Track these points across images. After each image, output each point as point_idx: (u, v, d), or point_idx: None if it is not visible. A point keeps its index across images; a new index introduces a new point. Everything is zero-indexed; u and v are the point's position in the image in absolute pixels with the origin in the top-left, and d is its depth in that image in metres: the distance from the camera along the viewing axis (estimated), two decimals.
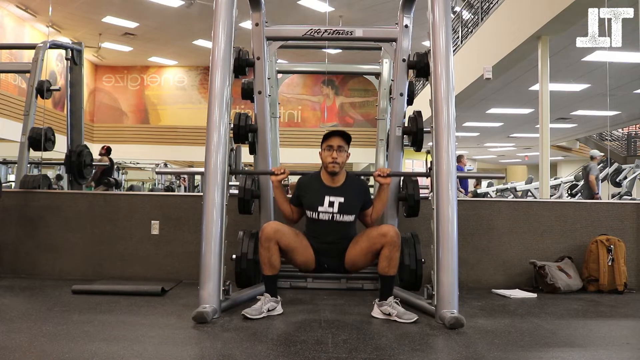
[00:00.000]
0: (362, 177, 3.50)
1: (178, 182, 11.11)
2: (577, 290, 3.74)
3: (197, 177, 9.49)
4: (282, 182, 3.12)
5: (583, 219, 4.02)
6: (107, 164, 7.82)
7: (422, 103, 3.84)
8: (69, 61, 5.30)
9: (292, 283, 3.67)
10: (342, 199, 2.98)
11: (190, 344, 2.39)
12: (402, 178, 3.62)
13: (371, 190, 3.45)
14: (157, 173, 3.22)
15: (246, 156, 4.47)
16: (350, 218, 3.00)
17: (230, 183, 3.21)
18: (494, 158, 22.59)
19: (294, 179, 3.61)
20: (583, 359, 2.25)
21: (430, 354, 2.30)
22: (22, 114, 4.98)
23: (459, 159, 9.82)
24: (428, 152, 3.09)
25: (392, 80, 3.72)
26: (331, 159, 2.97)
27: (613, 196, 9.16)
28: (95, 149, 7.88)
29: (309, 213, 3.02)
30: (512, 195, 10.69)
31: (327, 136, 3.03)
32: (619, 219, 4.03)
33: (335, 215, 2.97)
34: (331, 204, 2.97)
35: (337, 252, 2.99)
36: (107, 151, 8.12)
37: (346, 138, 3.03)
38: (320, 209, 2.97)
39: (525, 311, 3.13)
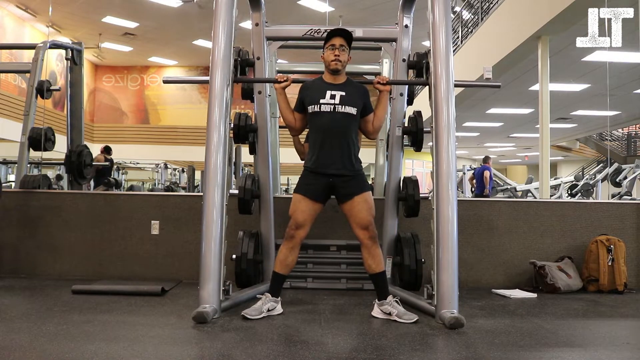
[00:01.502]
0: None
1: (178, 182, 11.11)
2: (577, 290, 3.74)
3: (197, 177, 9.49)
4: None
5: (583, 219, 4.02)
6: (104, 163, 7.81)
7: (422, 103, 3.84)
8: (69, 61, 5.30)
9: (292, 283, 3.67)
10: (343, 93, 2.96)
11: (190, 344, 2.39)
12: (402, 178, 3.62)
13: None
14: (165, 82, 3.19)
15: (246, 156, 4.48)
16: (352, 110, 2.95)
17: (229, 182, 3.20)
18: (494, 158, 22.56)
19: (293, 179, 3.59)
20: (583, 359, 2.25)
21: (430, 354, 2.30)
22: (22, 114, 4.98)
23: (486, 159, 9.81)
24: (427, 51, 3.07)
25: None
26: (334, 57, 2.96)
27: (613, 196, 9.16)
28: (95, 149, 7.90)
29: (311, 108, 2.96)
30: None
31: (330, 36, 3.00)
32: (619, 219, 4.03)
33: (336, 106, 2.93)
34: (333, 97, 2.94)
35: (337, 165, 2.91)
36: (105, 150, 8.12)
37: (348, 38, 3.00)
38: (322, 100, 2.94)
39: (525, 311, 3.13)
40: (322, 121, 2.94)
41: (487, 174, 9.46)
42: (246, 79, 3.57)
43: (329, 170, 2.91)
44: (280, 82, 3.02)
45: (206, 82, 3.05)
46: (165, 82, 3.55)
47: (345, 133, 2.94)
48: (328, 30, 3.05)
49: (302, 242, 2.91)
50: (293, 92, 3.04)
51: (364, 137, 3.22)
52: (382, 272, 2.88)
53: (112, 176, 8.34)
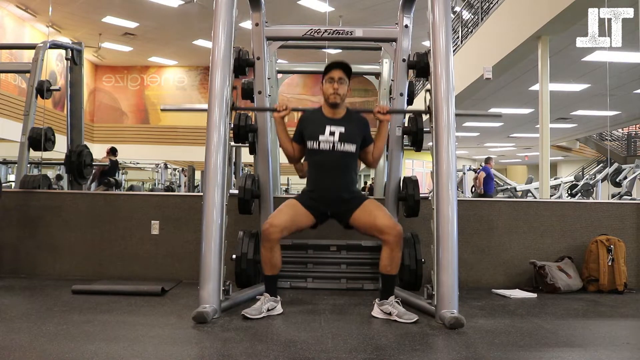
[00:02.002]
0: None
1: (178, 181, 11.12)
2: (577, 290, 3.74)
3: (197, 177, 9.49)
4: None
5: (583, 219, 4.02)
6: (106, 164, 7.83)
7: (422, 103, 3.84)
8: (69, 61, 5.30)
9: (292, 283, 3.67)
10: (342, 129, 2.96)
11: (190, 344, 2.39)
12: (402, 179, 3.62)
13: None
14: (162, 110, 3.23)
15: (246, 156, 4.48)
16: (351, 148, 2.96)
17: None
18: (494, 158, 22.58)
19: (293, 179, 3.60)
20: (583, 359, 2.25)
21: (430, 354, 2.29)
22: (22, 114, 4.98)
23: (488, 160, 9.78)
24: (427, 91, 3.08)
25: (392, 80, 3.71)
26: (332, 90, 2.95)
27: (613, 196, 9.16)
28: (95, 149, 7.89)
29: (309, 144, 2.97)
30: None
31: (329, 68, 3.00)
32: (619, 219, 4.03)
33: (336, 144, 2.93)
34: (332, 133, 2.94)
35: (338, 192, 2.94)
36: (110, 151, 8.14)
37: (347, 70, 3.00)
38: (321, 137, 2.94)
39: (525, 311, 3.13)
40: (321, 159, 2.97)
41: (481, 175, 9.44)
42: (245, 108, 3.55)
43: (328, 206, 2.96)
44: (279, 111, 3.02)
45: (204, 110, 3.04)
46: (163, 110, 3.58)
47: (344, 170, 2.97)
48: (327, 64, 3.04)
49: (280, 241, 2.85)
50: (293, 92, 3.04)
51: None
52: (394, 275, 2.87)
53: (118, 177, 8.37)
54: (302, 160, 3.20)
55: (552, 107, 7.15)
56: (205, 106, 3.02)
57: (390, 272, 2.84)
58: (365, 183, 13.30)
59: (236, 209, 3.52)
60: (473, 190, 10.24)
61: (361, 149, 3.05)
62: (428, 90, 3.06)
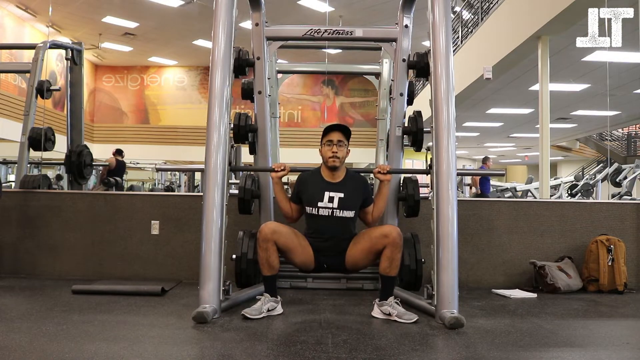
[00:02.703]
0: (362, 175, 3.50)
1: (178, 181, 11.12)
2: (577, 290, 3.74)
3: (197, 177, 9.49)
4: (282, 180, 3.12)
5: (583, 219, 4.02)
6: (106, 164, 7.84)
7: (422, 103, 3.84)
8: (69, 61, 5.30)
9: (292, 283, 3.67)
10: (342, 195, 2.97)
11: (190, 344, 2.39)
12: (402, 178, 3.62)
13: (371, 190, 3.44)
14: (157, 170, 3.23)
15: (246, 156, 4.48)
16: (350, 214, 2.99)
17: (230, 181, 3.21)
18: (494, 158, 22.58)
19: (293, 178, 3.62)
20: (583, 359, 2.25)
21: (430, 354, 2.30)
22: (22, 114, 4.98)
23: (485, 161, 9.75)
24: (428, 149, 3.09)
25: (392, 80, 3.71)
26: (331, 154, 2.97)
27: (613, 196, 9.16)
28: (95, 149, 7.91)
29: (308, 209, 3.00)
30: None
31: (327, 131, 3.02)
32: (619, 219, 4.03)
33: (335, 210, 2.96)
34: (331, 199, 2.96)
35: (336, 250, 2.98)
36: (117, 152, 8.17)
37: (346, 133, 3.01)
38: (320, 204, 2.96)
39: (525, 311, 3.13)
40: (320, 224, 2.99)
41: (476, 176, 9.44)
42: (242, 168, 3.55)
43: (326, 260, 2.99)
44: (276, 171, 3.02)
45: (200, 170, 3.05)
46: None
47: (343, 233, 2.99)
48: (325, 127, 3.04)
49: (276, 243, 2.83)
50: (293, 92, 3.04)
51: (365, 134, 3.21)
52: (393, 277, 2.88)
53: (124, 178, 8.39)
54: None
55: (552, 107, 7.14)
56: (201, 166, 3.02)
57: (390, 274, 2.84)
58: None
59: (236, 209, 3.52)
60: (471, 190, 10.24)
61: (360, 209, 3.07)
62: (429, 149, 3.05)
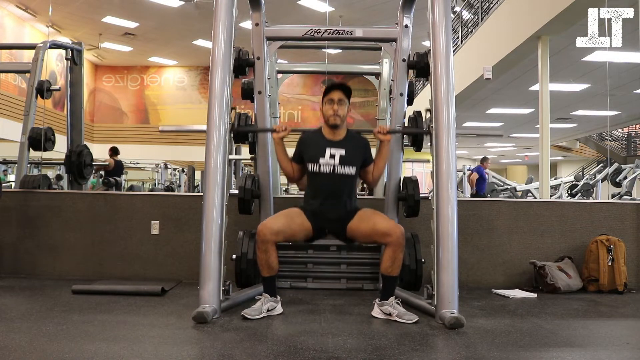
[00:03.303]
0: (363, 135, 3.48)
1: (178, 181, 11.12)
2: (577, 290, 3.74)
3: (197, 177, 9.49)
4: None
5: (583, 219, 4.02)
6: (107, 164, 7.83)
7: (422, 103, 3.84)
8: (69, 61, 5.30)
9: (292, 283, 3.67)
10: (343, 151, 2.96)
11: (190, 344, 2.39)
12: (402, 178, 3.62)
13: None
14: (161, 131, 3.23)
15: (246, 156, 4.47)
16: (351, 170, 2.97)
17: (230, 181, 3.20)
18: (494, 158, 22.59)
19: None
20: (583, 359, 2.25)
21: (430, 354, 2.30)
22: (22, 114, 4.98)
23: (483, 161, 9.71)
24: (428, 110, 3.08)
25: (392, 80, 3.71)
26: (332, 112, 2.96)
27: (613, 196, 9.16)
28: (95, 149, 7.90)
29: (310, 166, 2.98)
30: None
31: (328, 90, 3.01)
32: (619, 219, 4.03)
33: (336, 167, 2.94)
34: (332, 156, 2.95)
35: (337, 213, 2.95)
36: (113, 152, 8.15)
37: (346, 92, 3.01)
38: (321, 160, 2.95)
39: (525, 311, 3.13)
40: (321, 181, 2.97)
41: (473, 176, 9.43)
42: (245, 129, 3.51)
43: (327, 224, 2.98)
44: (277, 131, 3.02)
45: (202, 131, 3.04)
46: (161, 131, 3.62)
47: (345, 192, 2.98)
48: (326, 86, 3.04)
49: (275, 243, 2.83)
50: (293, 92, 3.04)
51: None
52: (395, 277, 2.87)
53: (121, 177, 8.37)
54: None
55: (552, 107, 7.14)
56: (203, 127, 3.02)
57: (392, 274, 2.84)
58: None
59: (236, 209, 3.52)
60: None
61: (361, 169, 3.06)
62: (429, 110, 3.05)
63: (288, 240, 2.97)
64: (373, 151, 3.11)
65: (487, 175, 9.68)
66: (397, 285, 3.02)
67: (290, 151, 3.09)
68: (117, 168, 8.03)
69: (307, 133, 3.16)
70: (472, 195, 9.25)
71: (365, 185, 5.55)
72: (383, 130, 3.02)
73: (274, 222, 2.87)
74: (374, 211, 2.98)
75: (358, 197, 3.25)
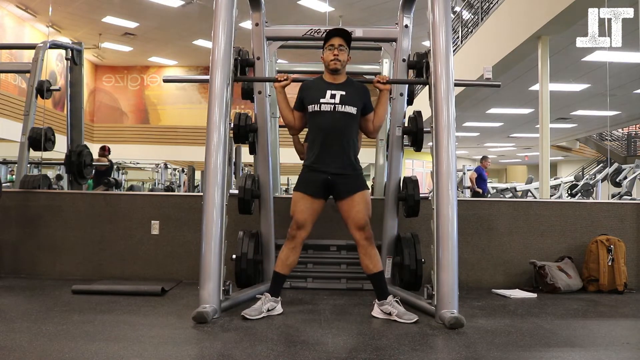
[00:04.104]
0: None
1: (178, 181, 11.12)
2: (577, 290, 3.74)
3: (197, 177, 9.48)
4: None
5: (583, 219, 4.02)
6: (106, 164, 7.81)
7: (422, 103, 3.84)
8: (69, 61, 5.30)
9: (292, 283, 3.67)
10: (343, 92, 2.97)
11: (190, 344, 2.39)
12: (402, 178, 3.62)
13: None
14: (165, 81, 3.21)
15: (246, 156, 4.48)
16: (352, 110, 2.95)
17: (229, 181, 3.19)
18: (494, 158, 22.61)
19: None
20: (583, 359, 2.25)
21: (430, 354, 2.29)
22: (22, 114, 4.98)
23: (482, 160, 9.66)
24: (428, 52, 3.08)
25: None
26: (333, 56, 2.96)
27: (613, 196, 9.16)
28: (95, 149, 7.89)
29: (311, 107, 2.97)
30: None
31: (329, 36, 3.01)
32: (619, 219, 4.03)
33: (337, 105, 2.93)
34: (333, 96, 2.94)
35: (337, 162, 2.91)
36: (107, 152, 8.11)
37: (347, 37, 3.01)
38: (322, 100, 2.94)
39: (525, 311, 3.13)
40: (322, 120, 2.94)
41: (472, 175, 9.40)
42: (246, 78, 3.57)
43: (328, 168, 2.91)
44: (280, 81, 3.03)
45: (206, 81, 3.06)
46: (165, 81, 3.57)
47: (346, 132, 2.94)
48: (327, 30, 3.05)
49: (304, 242, 2.90)
50: (293, 92, 3.05)
51: (364, 136, 3.22)
52: (379, 272, 2.87)
53: (111, 176, 8.32)
54: (302, 142, 3.17)
55: (552, 107, 7.14)
56: (207, 77, 3.02)
57: (375, 270, 2.85)
58: None
59: (236, 209, 3.52)
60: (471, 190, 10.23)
61: (362, 116, 3.04)
62: (428, 52, 3.05)
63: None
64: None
65: (486, 175, 9.66)
66: (394, 285, 3.02)
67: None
68: (109, 167, 7.99)
69: (308, 81, 3.15)
70: (473, 195, 9.22)
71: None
72: (382, 79, 3.04)
73: (304, 218, 2.87)
74: (365, 201, 2.92)
75: None
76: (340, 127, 2.93)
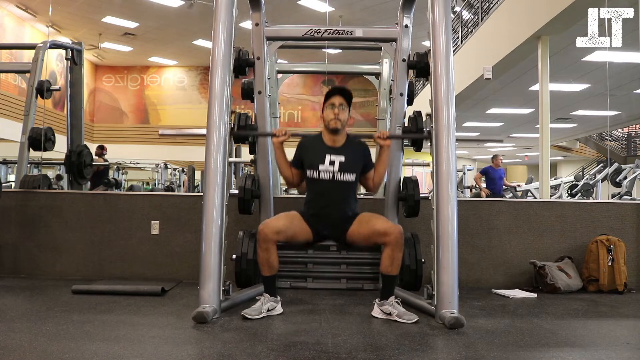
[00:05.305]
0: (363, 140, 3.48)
1: (178, 181, 11.12)
2: (577, 290, 3.74)
3: (197, 177, 9.48)
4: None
5: (583, 219, 4.02)
6: (106, 164, 7.82)
7: (422, 103, 3.84)
8: (69, 61, 5.30)
9: (292, 283, 3.67)
10: (342, 158, 2.96)
11: (190, 344, 2.39)
12: (402, 178, 3.62)
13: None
14: (161, 135, 3.26)
15: (246, 156, 4.48)
16: (351, 177, 2.96)
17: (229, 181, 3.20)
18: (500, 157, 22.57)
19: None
20: (583, 359, 2.25)
21: (430, 354, 2.30)
22: (22, 114, 4.98)
23: (494, 159, 9.57)
24: (428, 115, 3.08)
25: (392, 80, 3.72)
26: (333, 116, 2.94)
27: (613, 196, 9.16)
28: (95, 149, 7.89)
29: (309, 173, 2.98)
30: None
31: (329, 95, 3.00)
32: (619, 219, 4.03)
33: (336, 174, 2.94)
34: (332, 163, 2.94)
35: (337, 218, 2.95)
36: (104, 151, 8.11)
37: (347, 96, 3.00)
38: (321, 167, 2.94)
39: (525, 311, 3.13)
40: (320, 189, 2.97)
41: (477, 177, 9.36)
42: (245, 133, 3.52)
43: (326, 229, 2.98)
44: (277, 136, 3.01)
45: (202, 135, 3.03)
46: (161, 135, 3.57)
47: (345, 198, 2.98)
48: (327, 90, 3.03)
49: (276, 243, 2.84)
50: (293, 92, 3.03)
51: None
52: (395, 276, 2.87)
53: (107, 176, 8.32)
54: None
55: (552, 107, 7.14)
56: (203, 131, 3.01)
57: (391, 273, 2.84)
58: None
59: (236, 209, 3.52)
60: (472, 190, 10.22)
61: (361, 175, 3.06)
62: (429, 115, 3.05)
63: (288, 242, 2.97)
64: (373, 153, 3.10)
65: (504, 173, 9.50)
66: (396, 285, 3.03)
67: (290, 154, 3.08)
68: (106, 168, 7.98)
69: (307, 138, 3.14)
70: (474, 195, 9.14)
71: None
72: (383, 135, 3.00)
73: (275, 221, 2.88)
74: (372, 214, 3.00)
75: (360, 196, 3.24)
76: (338, 195, 2.97)
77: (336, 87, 3.04)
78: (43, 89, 4.93)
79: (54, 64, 11.36)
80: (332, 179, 2.95)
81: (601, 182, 9.72)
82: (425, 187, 9.10)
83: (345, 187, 2.98)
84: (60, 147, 5.32)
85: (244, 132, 3.47)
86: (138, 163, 11.89)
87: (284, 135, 3.01)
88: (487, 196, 8.79)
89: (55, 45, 5.55)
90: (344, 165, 2.95)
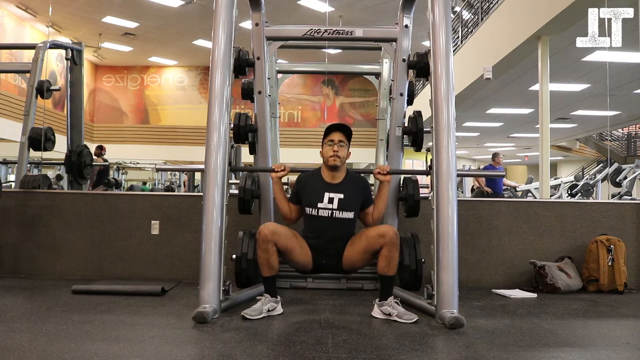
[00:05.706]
0: (362, 175, 3.50)
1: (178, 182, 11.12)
2: (577, 290, 3.74)
3: (197, 177, 9.48)
4: (282, 180, 3.11)
5: (583, 219, 4.02)
6: (107, 164, 7.82)
7: (422, 103, 3.84)
8: (69, 61, 5.30)
9: (292, 283, 3.67)
10: (341, 196, 2.96)
11: (190, 344, 2.39)
12: (402, 178, 3.62)
13: (372, 190, 3.44)
14: (157, 170, 3.27)
15: (246, 156, 4.48)
16: (349, 215, 2.98)
17: (230, 181, 3.20)
18: (501, 155, 22.58)
19: (293, 178, 3.62)
20: (583, 359, 2.25)
21: (430, 354, 2.30)
22: (22, 114, 4.98)
23: (494, 157, 9.54)
24: (428, 150, 3.08)
25: (392, 80, 3.72)
26: (332, 153, 2.95)
27: (613, 196, 9.16)
28: (95, 149, 7.89)
29: (308, 210, 2.99)
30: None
31: (328, 131, 3.01)
32: (619, 219, 4.03)
33: (334, 212, 2.94)
34: (331, 200, 2.95)
35: (336, 250, 2.97)
36: (104, 151, 8.11)
37: (347, 133, 3.00)
38: (319, 205, 2.95)
39: (525, 311, 3.13)
40: (319, 226, 2.97)
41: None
42: (244, 169, 3.53)
43: (327, 259, 2.98)
44: (276, 171, 3.01)
45: (198, 170, 3.03)
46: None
47: (343, 234, 2.98)
48: (326, 126, 3.03)
49: (275, 244, 2.83)
50: (293, 92, 3.04)
51: (364, 135, 3.21)
52: (392, 276, 2.87)
53: (108, 176, 8.32)
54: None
55: (552, 107, 7.14)
56: (199, 166, 3.01)
57: (388, 273, 2.84)
58: None
59: (236, 209, 3.52)
60: (473, 189, 10.22)
61: (361, 209, 3.05)
62: (429, 150, 3.05)
63: (287, 252, 2.89)
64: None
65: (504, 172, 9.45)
66: (394, 284, 3.03)
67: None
68: (106, 168, 7.98)
69: (306, 174, 3.14)
70: (488, 195, 8.99)
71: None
72: (383, 170, 3.01)
73: (276, 224, 2.90)
74: (363, 230, 2.98)
75: None
76: (337, 232, 2.97)
77: (335, 124, 3.05)
78: (43, 89, 4.93)
79: (54, 64, 11.37)
80: (330, 216, 2.95)
81: (601, 182, 9.72)
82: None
83: (344, 224, 2.98)
84: (60, 147, 5.33)
85: (241, 167, 3.47)
86: (138, 163, 11.89)
87: (282, 170, 3.01)
88: (488, 194, 8.77)
89: (55, 45, 5.55)
90: (343, 203, 2.95)
